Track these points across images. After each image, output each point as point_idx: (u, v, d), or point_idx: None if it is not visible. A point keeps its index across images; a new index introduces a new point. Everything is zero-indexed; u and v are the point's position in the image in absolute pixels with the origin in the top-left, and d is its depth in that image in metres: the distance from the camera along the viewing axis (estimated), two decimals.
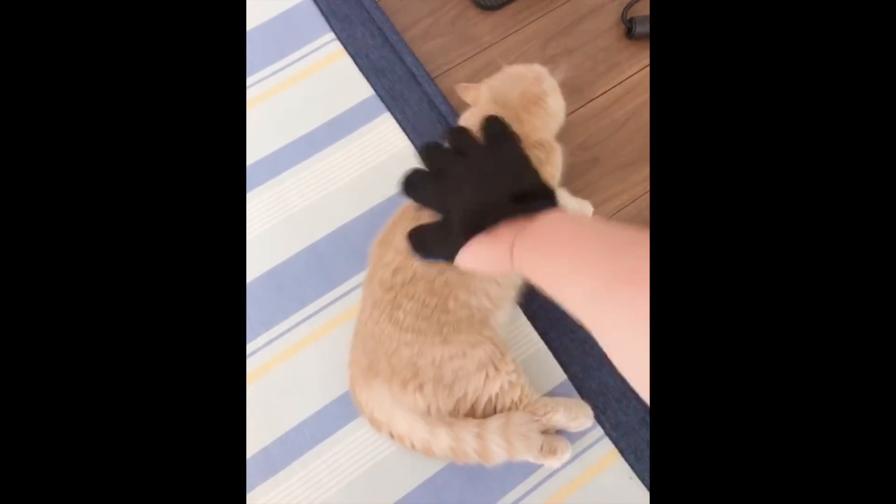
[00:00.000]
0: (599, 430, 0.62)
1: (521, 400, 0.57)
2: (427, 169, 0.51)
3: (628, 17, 0.78)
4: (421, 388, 0.55)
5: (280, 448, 0.62)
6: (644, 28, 0.76)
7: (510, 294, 0.62)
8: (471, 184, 0.48)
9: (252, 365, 0.65)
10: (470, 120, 0.63)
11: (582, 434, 0.62)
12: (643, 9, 0.79)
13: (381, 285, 0.57)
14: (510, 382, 0.57)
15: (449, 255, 0.48)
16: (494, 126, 0.51)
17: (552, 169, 0.63)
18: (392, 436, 0.58)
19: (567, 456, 0.59)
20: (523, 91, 0.63)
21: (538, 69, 0.66)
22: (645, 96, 0.76)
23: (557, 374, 0.64)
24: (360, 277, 0.65)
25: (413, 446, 0.57)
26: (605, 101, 0.76)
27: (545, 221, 0.43)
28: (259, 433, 0.62)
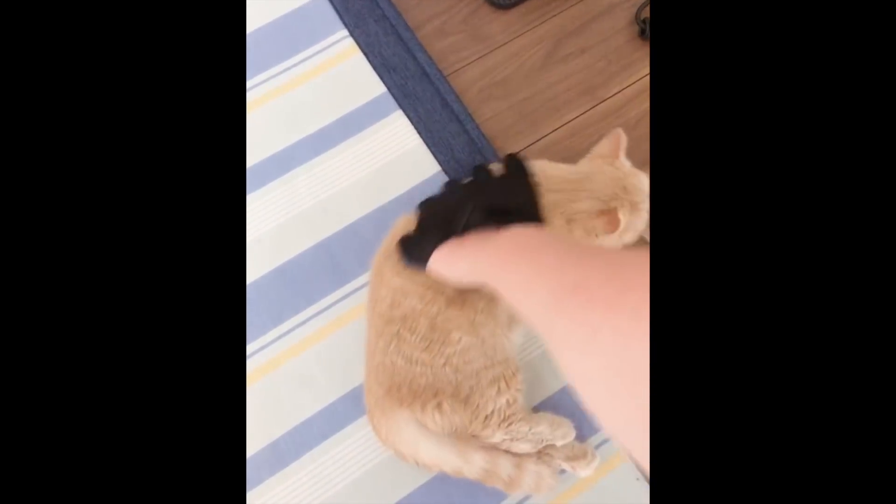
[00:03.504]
0: (604, 433, 0.63)
1: (514, 414, 0.56)
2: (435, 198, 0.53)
3: (641, 18, 0.77)
4: (440, 406, 0.55)
5: (289, 442, 0.62)
6: None
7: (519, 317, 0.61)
8: (460, 195, 0.49)
9: (262, 360, 0.65)
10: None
11: (588, 436, 0.62)
12: None
13: (381, 317, 0.57)
14: (514, 398, 0.56)
15: (423, 259, 0.49)
16: (513, 162, 0.51)
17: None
18: (418, 464, 0.58)
19: (596, 462, 0.60)
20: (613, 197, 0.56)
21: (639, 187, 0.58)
22: None
23: (561, 378, 0.64)
24: (370, 275, 0.65)
25: (443, 471, 0.57)
26: (618, 101, 0.76)
27: (510, 232, 0.44)
28: (268, 428, 0.63)
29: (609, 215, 0.54)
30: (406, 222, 0.58)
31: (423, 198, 0.61)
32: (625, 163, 0.59)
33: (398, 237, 0.56)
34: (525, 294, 0.38)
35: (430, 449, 0.56)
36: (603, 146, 0.60)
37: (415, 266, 0.51)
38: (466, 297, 0.55)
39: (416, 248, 0.50)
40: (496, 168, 0.51)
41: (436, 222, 0.49)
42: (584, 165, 0.60)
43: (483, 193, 0.49)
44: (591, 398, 0.30)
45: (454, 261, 0.47)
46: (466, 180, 0.52)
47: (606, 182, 0.56)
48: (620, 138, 0.59)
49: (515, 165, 0.51)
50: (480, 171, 0.52)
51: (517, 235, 0.43)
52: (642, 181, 0.57)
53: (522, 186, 0.49)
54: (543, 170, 0.57)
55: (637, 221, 0.56)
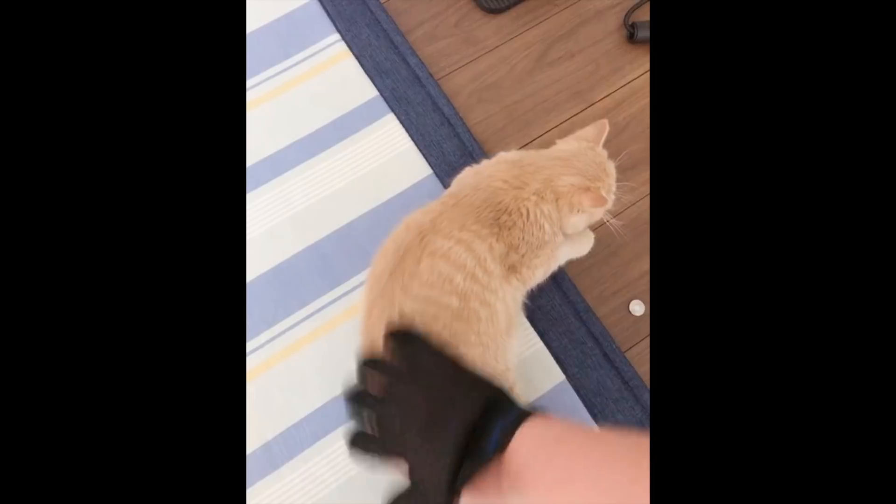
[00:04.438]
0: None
1: None
2: (362, 426, 0.44)
3: (630, 22, 0.78)
4: None
5: (281, 444, 0.62)
6: (646, 33, 0.77)
7: (517, 321, 0.60)
8: (415, 436, 0.39)
9: (254, 362, 0.65)
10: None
11: None
12: (645, 14, 0.80)
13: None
14: None
15: None
16: (399, 341, 0.44)
17: (539, 254, 0.57)
18: None
19: None
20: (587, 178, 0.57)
21: (611, 173, 0.60)
22: (646, 100, 0.77)
23: (556, 374, 0.65)
24: (362, 276, 0.66)
25: None
26: (607, 104, 0.77)
27: (519, 455, 0.37)
28: (260, 429, 0.63)
29: (594, 193, 0.56)
30: (408, 246, 0.55)
31: (414, 201, 0.61)
32: (602, 150, 0.62)
33: (404, 264, 0.53)
34: None
35: None
36: (588, 132, 0.62)
37: None
38: (471, 309, 0.54)
39: None
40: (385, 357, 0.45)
41: (423, 488, 0.39)
42: (569, 144, 0.62)
43: (422, 416, 0.39)
44: None
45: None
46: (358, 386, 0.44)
47: (590, 163, 0.58)
48: (605, 128, 0.62)
49: (402, 343, 0.43)
50: (372, 368, 0.43)
51: (523, 458, 0.36)
52: (614, 168, 0.61)
53: (441, 368, 0.41)
54: (535, 153, 0.59)
55: (609, 203, 0.60)
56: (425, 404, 0.39)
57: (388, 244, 0.58)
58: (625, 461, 0.33)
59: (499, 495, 0.37)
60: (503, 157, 0.60)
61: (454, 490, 0.37)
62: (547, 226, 0.56)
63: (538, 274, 0.59)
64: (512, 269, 0.56)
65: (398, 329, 0.46)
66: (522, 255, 0.56)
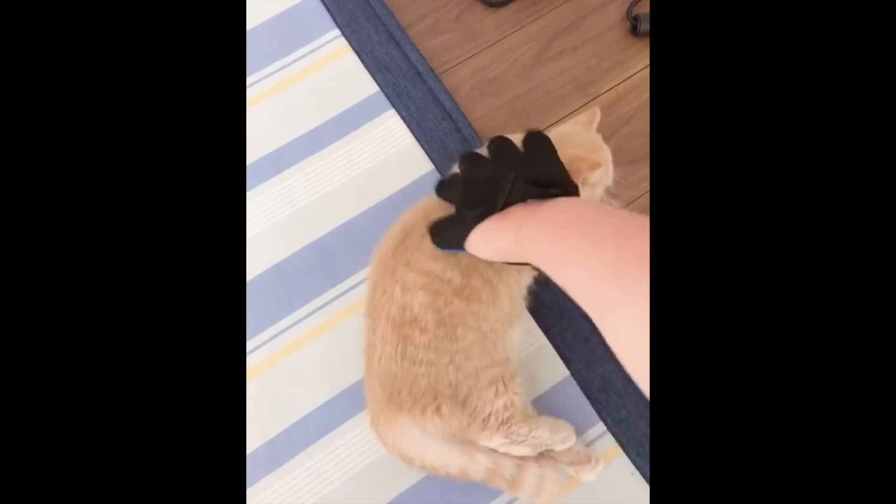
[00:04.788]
0: (602, 426, 0.63)
1: (513, 417, 0.56)
2: (463, 173, 0.51)
3: (633, 15, 0.78)
4: (439, 409, 0.54)
5: (285, 441, 0.62)
6: (648, 25, 0.76)
7: (521, 311, 0.61)
8: (498, 167, 0.48)
9: (257, 359, 0.65)
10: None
11: (585, 430, 0.62)
12: (647, 7, 0.79)
13: (390, 322, 0.56)
14: (511, 402, 0.56)
15: (460, 241, 0.48)
16: (534, 137, 0.50)
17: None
18: (425, 467, 0.58)
19: (601, 467, 0.60)
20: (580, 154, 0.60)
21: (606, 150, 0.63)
22: (649, 93, 0.76)
23: (560, 370, 0.65)
24: (365, 273, 0.65)
25: (448, 473, 0.57)
26: (610, 97, 0.76)
27: (556, 205, 0.43)
28: (264, 426, 0.63)
29: (591, 161, 0.59)
30: (412, 226, 0.57)
31: (417, 197, 0.61)
32: (596, 133, 0.64)
33: (407, 241, 0.56)
34: (577, 267, 0.36)
35: (436, 449, 0.56)
36: (582, 118, 0.65)
37: (449, 247, 0.50)
38: (472, 287, 0.55)
39: (451, 229, 0.49)
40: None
41: (477, 195, 0.48)
42: (567, 127, 0.65)
43: (522, 164, 0.48)
44: (644, 368, 0.29)
45: (494, 238, 0.46)
46: (486, 153, 0.51)
47: (586, 140, 0.62)
48: (596, 114, 0.65)
49: (539, 139, 0.50)
50: (500, 144, 0.51)
51: (566, 208, 0.42)
52: (608, 151, 0.63)
53: (550, 157, 0.49)
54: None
55: (606, 178, 0.62)
56: (520, 166, 0.48)
57: (395, 226, 0.59)
58: (620, 222, 0.37)
59: (515, 228, 0.44)
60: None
61: (509, 195, 0.45)
62: None
63: None
64: None
65: (532, 130, 0.51)
66: None
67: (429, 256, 0.55)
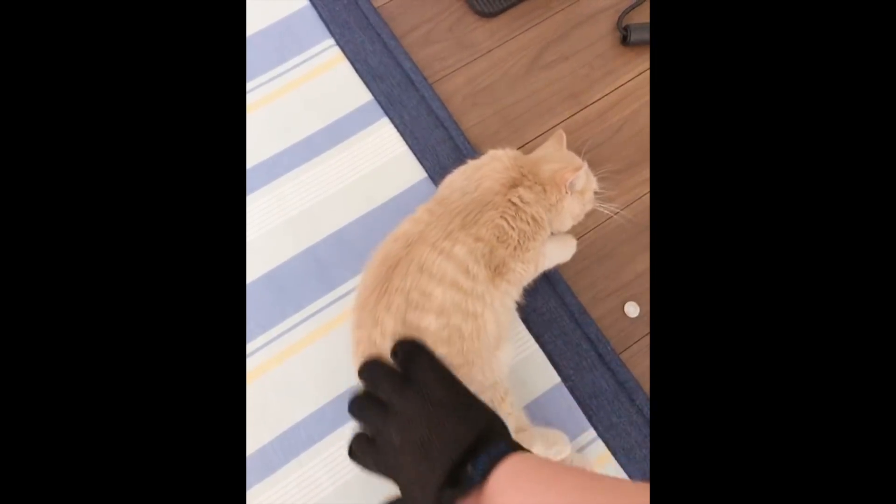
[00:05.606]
0: (593, 432, 0.63)
1: None
2: (364, 430, 0.45)
3: (623, 25, 0.79)
4: None
5: (277, 447, 0.63)
6: (639, 35, 0.77)
7: (507, 331, 0.60)
8: (409, 453, 0.40)
9: (250, 365, 0.66)
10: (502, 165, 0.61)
11: (576, 436, 0.63)
12: (638, 16, 0.80)
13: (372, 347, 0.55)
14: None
15: None
16: (405, 351, 0.45)
17: (529, 246, 0.59)
18: None
19: (567, 450, 0.60)
20: (558, 171, 0.61)
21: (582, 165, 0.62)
22: (639, 102, 0.77)
23: (551, 377, 0.65)
24: (357, 280, 0.66)
25: None
26: (601, 106, 0.77)
27: (496, 485, 0.38)
28: (257, 433, 0.63)
29: (572, 167, 0.60)
30: (396, 259, 0.55)
31: (409, 205, 0.61)
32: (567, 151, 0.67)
33: (391, 279, 0.54)
34: None
35: None
36: (550, 142, 0.67)
37: None
38: (452, 326, 0.54)
39: None
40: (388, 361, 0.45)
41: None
42: (540, 151, 0.67)
43: (423, 447, 0.40)
44: None
45: None
46: (363, 390, 0.45)
47: (560, 156, 0.64)
48: (562, 136, 0.67)
49: (407, 351, 0.44)
50: (374, 374, 0.44)
51: (502, 490, 0.37)
52: (584, 163, 0.64)
53: (440, 381, 0.42)
54: (517, 155, 0.63)
55: (591, 183, 0.64)
56: (424, 422, 0.41)
57: (376, 256, 0.58)
58: (590, 492, 0.34)
59: None
60: (492, 154, 0.63)
61: None
62: (537, 213, 0.59)
63: (529, 270, 0.60)
64: (498, 272, 0.57)
65: (406, 339, 0.46)
66: (514, 248, 0.57)
67: (408, 301, 0.54)
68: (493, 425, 0.42)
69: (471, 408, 0.42)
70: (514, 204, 0.58)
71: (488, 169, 0.60)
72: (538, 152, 0.66)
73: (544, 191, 0.60)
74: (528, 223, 0.58)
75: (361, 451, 0.45)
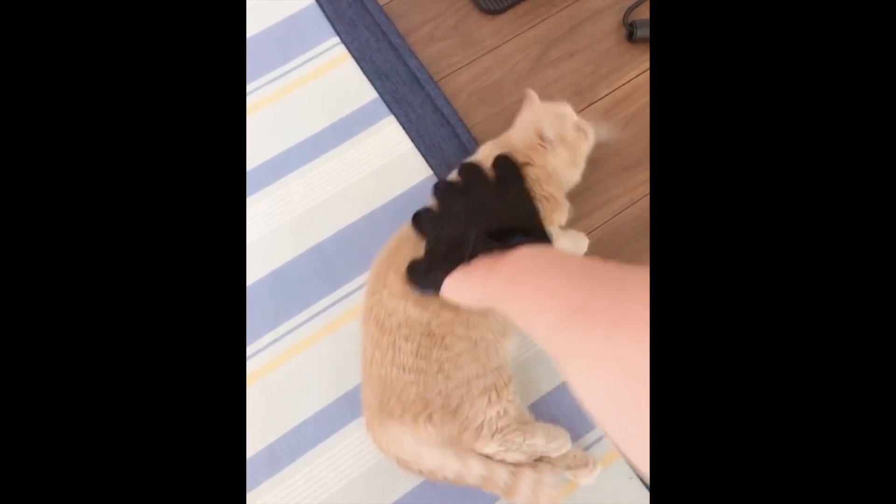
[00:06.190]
0: (598, 431, 0.63)
1: (508, 426, 0.56)
2: (435, 206, 0.54)
3: (629, 21, 0.78)
4: (430, 417, 0.55)
5: (284, 445, 0.63)
6: (645, 32, 0.77)
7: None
8: (463, 220, 0.50)
9: (256, 364, 0.66)
10: (487, 153, 0.63)
11: (582, 434, 0.63)
12: (644, 13, 0.80)
13: (379, 327, 0.57)
14: (505, 410, 0.56)
15: (435, 287, 0.50)
16: (504, 167, 0.53)
17: (554, 218, 0.61)
18: (422, 472, 0.58)
19: (598, 471, 0.60)
20: (538, 130, 0.62)
21: (566, 110, 0.64)
22: (646, 99, 0.77)
23: (556, 377, 0.65)
24: (364, 278, 0.66)
25: (445, 478, 0.57)
26: (607, 103, 0.77)
27: (516, 256, 0.45)
28: (263, 431, 0.63)
29: (534, 130, 0.62)
30: (408, 236, 0.58)
31: (415, 203, 0.61)
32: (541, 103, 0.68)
33: (400, 249, 0.58)
34: (535, 317, 0.38)
35: (430, 455, 0.56)
36: (523, 108, 0.68)
37: (427, 293, 0.52)
38: None
39: (426, 277, 0.52)
40: (487, 170, 0.52)
41: (442, 252, 0.51)
42: (527, 115, 0.67)
43: (483, 214, 0.50)
44: (600, 416, 0.31)
45: (464, 289, 0.48)
46: (455, 181, 0.52)
47: (532, 116, 0.65)
48: (532, 96, 0.68)
49: (507, 170, 0.51)
50: (471, 173, 0.52)
51: (522, 259, 0.44)
52: (565, 107, 0.66)
53: (519, 197, 0.50)
54: (497, 139, 0.65)
55: (571, 133, 0.64)
56: (489, 207, 0.53)
57: (395, 235, 0.60)
58: (570, 270, 0.39)
59: (481, 280, 0.47)
60: (480, 150, 0.64)
61: (473, 249, 0.48)
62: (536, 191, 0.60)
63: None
64: None
65: (507, 158, 0.55)
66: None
67: None
68: (536, 222, 0.52)
69: (530, 215, 0.53)
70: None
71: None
72: (529, 115, 0.66)
73: (531, 161, 0.60)
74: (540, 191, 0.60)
75: (424, 216, 0.56)
